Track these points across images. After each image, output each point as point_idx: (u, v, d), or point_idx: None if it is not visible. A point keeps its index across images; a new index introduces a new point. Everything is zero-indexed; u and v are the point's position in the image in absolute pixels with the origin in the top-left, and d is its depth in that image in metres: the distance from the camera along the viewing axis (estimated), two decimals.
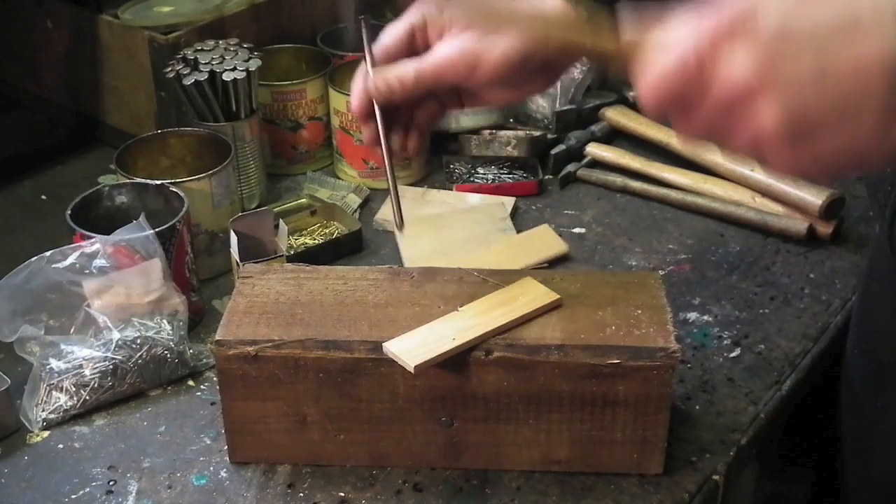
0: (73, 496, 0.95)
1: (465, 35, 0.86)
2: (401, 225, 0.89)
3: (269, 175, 1.41)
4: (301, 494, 0.95)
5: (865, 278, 1.06)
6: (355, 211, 1.36)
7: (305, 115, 1.43)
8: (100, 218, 1.14)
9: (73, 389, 1.03)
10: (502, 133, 1.46)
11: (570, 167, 1.44)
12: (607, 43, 0.74)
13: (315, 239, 1.32)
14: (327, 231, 1.34)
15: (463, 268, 1.00)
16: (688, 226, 1.34)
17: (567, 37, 0.84)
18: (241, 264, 1.07)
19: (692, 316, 1.17)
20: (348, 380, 0.92)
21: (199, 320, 1.17)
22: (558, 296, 0.94)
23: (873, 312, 1.02)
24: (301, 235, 1.32)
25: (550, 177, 1.44)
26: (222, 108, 1.31)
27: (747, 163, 1.33)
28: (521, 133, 1.46)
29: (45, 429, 1.03)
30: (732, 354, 1.12)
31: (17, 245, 1.29)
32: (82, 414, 1.04)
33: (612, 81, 1.59)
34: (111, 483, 0.96)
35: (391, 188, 0.89)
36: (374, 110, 0.89)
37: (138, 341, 1.05)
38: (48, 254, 1.04)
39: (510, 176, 1.43)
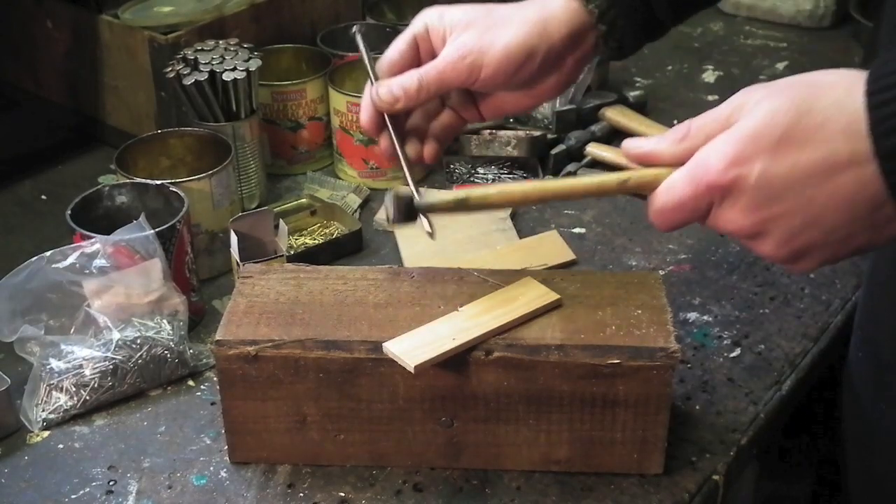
0: (73, 496, 0.95)
1: (465, 34, 0.86)
2: (433, 234, 0.88)
3: (269, 175, 1.41)
4: (301, 494, 0.95)
5: (868, 279, 1.06)
6: (355, 211, 1.36)
7: (305, 115, 1.43)
8: (100, 218, 1.14)
9: (73, 389, 1.03)
10: (502, 133, 1.46)
11: (570, 167, 1.44)
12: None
13: (315, 239, 1.32)
14: (327, 231, 1.34)
15: (463, 268, 1.00)
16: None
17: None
18: (241, 264, 1.07)
19: (692, 316, 1.17)
20: (348, 380, 0.92)
21: (199, 320, 1.17)
22: (558, 296, 0.94)
23: (877, 313, 1.02)
24: (301, 235, 1.32)
25: (550, 177, 1.44)
26: (222, 108, 1.31)
27: None
28: (521, 133, 1.46)
29: (45, 429, 1.03)
30: (732, 354, 1.12)
31: (17, 245, 1.29)
32: (82, 414, 1.04)
33: (613, 81, 1.59)
34: (111, 483, 0.96)
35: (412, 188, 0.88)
36: (384, 122, 0.89)
37: (138, 341, 1.05)
38: (48, 254, 1.04)
39: (510, 176, 1.43)
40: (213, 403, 1.05)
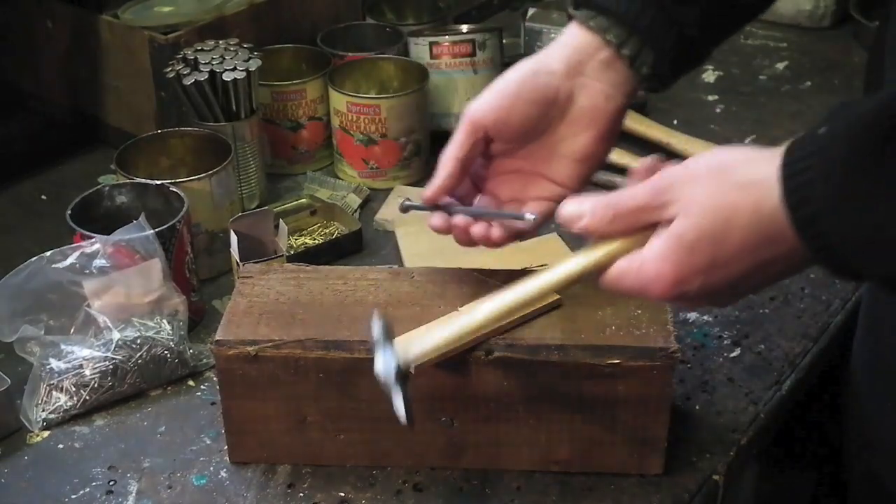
0: (73, 496, 0.95)
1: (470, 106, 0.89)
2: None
3: (269, 175, 1.41)
4: (301, 494, 0.95)
5: None
6: (355, 211, 1.36)
7: (305, 115, 1.43)
8: (100, 218, 1.14)
9: (73, 389, 1.03)
10: None
11: None
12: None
13: (315, 239, 1.32)
14: (327, 231, 1.34)
15: (463, 268, 1.00)
16: None
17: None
18: (241, 264, 1.07)
19: (692, 316, 1.17)
20: (348, 380, 0.92)
21: (199, 320, 1.17)
22: (558, 296, 0.94)
23: (881, 312, 1.02)
24: (301, 235, 1.32)
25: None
26: (222, 108, 1.31)
27: None
28: None
29: (45, 429, 1.03)
30: (732, 354, 1.12)
31: (17, 245, 1.29)
32: (82, 414, 1.04)
33: None
34: (111, 483, 0.96)
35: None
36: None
37: (138, 341, 1.05)
38: (48, 254, 1.04)
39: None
40: (213, 403, 1.05)
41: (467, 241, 0.90)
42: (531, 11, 1.61)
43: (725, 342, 1.14)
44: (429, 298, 0.97)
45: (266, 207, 1.28)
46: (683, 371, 1.09)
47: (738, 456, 1.00)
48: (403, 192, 1.39)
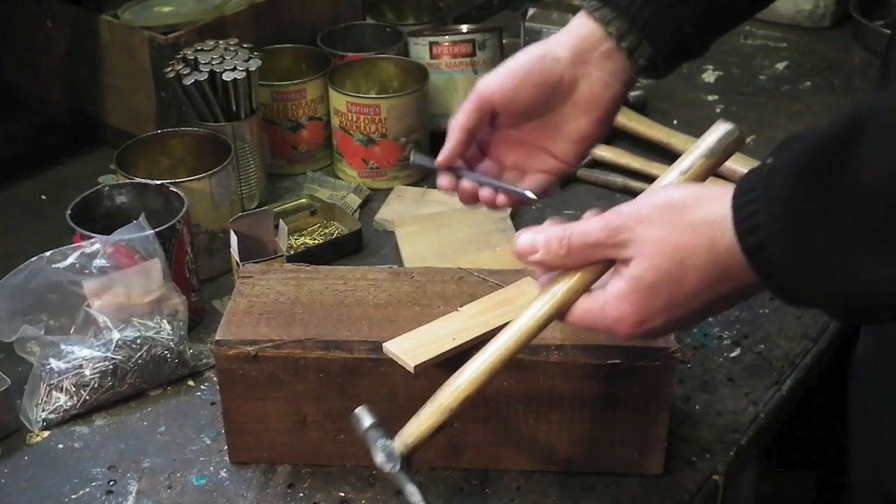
0: (73, 496, 0.95)
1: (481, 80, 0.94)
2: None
3: (269, 175, 1.41)
4: (301, 494, 0.95)
5: None
6: (355, 211, 1.36)
7: (305, 115, 1.43)
8: (100, 218, 1.14)
9: (73, 389, 1.03)
10: None
11: None
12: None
13: (315, 239, 1.32)
14: (327, 231, 1.34)
15: (463, 268, 1.00)
16: None
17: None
18: (241, 264, 1.07)
19: None
20: (348, 380, 0.92)
21: (199, 320, 1.17)
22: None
23: None
24: (301, 235, 1.32)
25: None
26: (222, 108, 1.31)
27: (748, 163, 1.33)
28: None
29: (45, 429, 1.03)
30: (732, 354, 1.12)
31: (17, 245, 1.29)
32: (82, 414, 1.04)
33: None
34: (111, 483, 0.96)
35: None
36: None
37: (138, 341, 1.05)
38: (48, 254, 1.04)
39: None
40: (213, 403, 1.05)
41: (472, 201, 0.94)
42: (531, 11, 1.61)
43: (725, 342, 1.14)
44: (429, 298, 0.97)
45: (266, 207, 1.28)
46: (683, 371, 1.09)
47: (738, 456, 1.00)
48: (404, 192, 1.39)
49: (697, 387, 1.08)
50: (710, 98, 1.67)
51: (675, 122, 1.56)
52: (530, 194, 0.93)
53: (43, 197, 1.42)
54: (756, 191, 0.67)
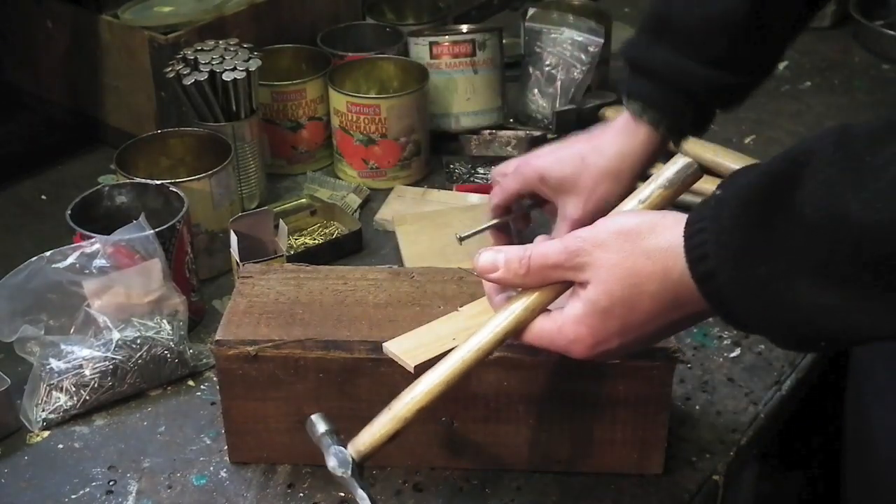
0: (73, 496, 0.95)
1: (570, 213, 1.07)
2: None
3: (269, 175, 1.41)
4: (301, 494, 0.95)
5: None
6: (355, 211, 1.36)
7: (305, 115, 1.43)
8: (100, 218, 1.14)
9: (73, 389, 1.03)
10: (502, 133, 1.46)
11: None
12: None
13: (315, 239, 1.32)
14: (327, 231, 1.34)
15: (463, 268, 1.00)
16: None
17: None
18: (241, 264, 1.07)
19: None
20: (348, 380, 0.92)
21: (199, 320, 1.17)
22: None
23: None
24: (301, 235, 1.32)
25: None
26: (222, 108, 1.31)
27: (748, 163, 1.33)
28: (521, 133, 1.46)
29: (45, 429, 1.03)
30: (732, 354, 1.12)
31: (17, 245, 1.29)
32: (82, 414, 1.04)
33: (612, 81, 1.59)
34: (111, 483, 0.97)
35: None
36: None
37: (138, 341, 1.05)
38: (48, 254, 1.04)
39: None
40: (213, 403, 1.05)
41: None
42: (531, 11, 1.61)
43: (725, 342, 1.14)
44: (429, 298, 0.97)
45: (266, 207, 1.28)
46: (683, 371, 1.09)
47: (738, 456, 1.00)
48: (404, 192, 1.39)
49: (697, 387, 1.08)
50: None
51: None
52: None
53: (43, 197, 1.42)
54: (705, 220, 0.69)
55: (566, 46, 1.54)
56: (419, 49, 1.49)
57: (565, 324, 0.76)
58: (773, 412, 1.06)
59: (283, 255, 1.14)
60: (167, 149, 1.29)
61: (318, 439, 0.84)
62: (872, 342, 0.67)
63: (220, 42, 1.32)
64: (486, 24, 1.75)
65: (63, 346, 1.03)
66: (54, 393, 1.03)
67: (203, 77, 1.27)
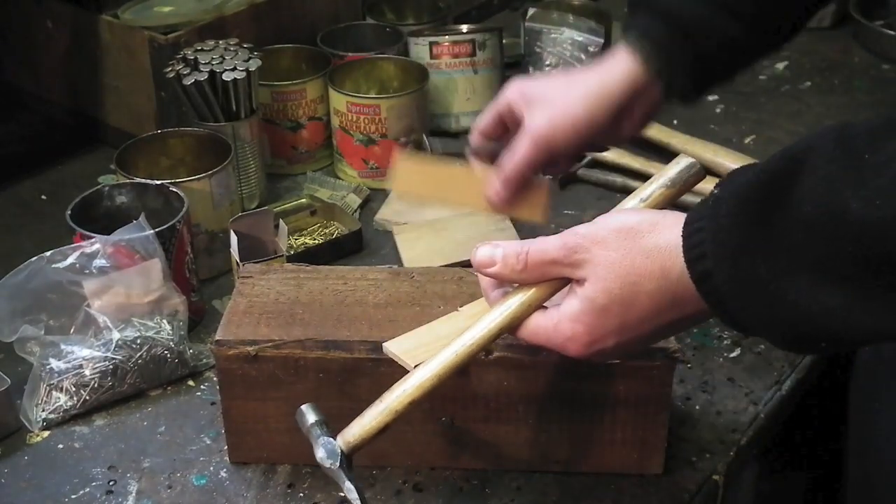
0: (73, 496, 0.95)
1: (536, 122, 0.97)
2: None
3: (269, 175, 1.41)
4: (301, 494, 0.95)
5: None
6: (355, 211, 1.36)
7: (305, 115, 1.43)
8: (100, 218, 1.14)
9: (73, 389, 1.03)
10: None
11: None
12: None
13: (315, 239, 1.32)
14: (327, 231, 1.34)
15: (463, 268, 1.00)
16: None
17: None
18: (241, 264, 1.07)
19: None
20: (348, 380, 0.92)
21: (199, 320, 1.17)
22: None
23: None
24: (301, 235, 1.32)
25: (550, 177, 1.44)
26: (222, 108, 1.31)
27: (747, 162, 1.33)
28: None
29: (45, 429, 1.03)
30: (732, 354, 1.12)
31: (17, 245, 1.29)
32: (82, 414, 1.04)
33: None
34: (111, 483, 0.97)
35: None
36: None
37: (138, 341, 1.05)
38: (48, 254, 1.04)
39: None
40: (213, 403, 1.05)
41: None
42: (531, 11, 1.61)
43: (725, 342, 1.14)
44: (429, 298, 0.97)
45: (266, 207, 1.28)
46: (683, 371, 1.09)
47: (738, 456, 1.00)
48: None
49: (697, 387, 1.08)
50: (710, 98, 1.67)
51: (675, 121, 1.55)
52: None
53: (43, 197, 1.42)
54: (703, 219, 0.69)
55: (566, 46, 1.54)
56: (419, 49, 1.49)
57: (561, 321, 0.76)
58: (773, 412, 1.06)
59: (283, 255, 1.14)
60: (167, 149, 1.29)
61: (308, 430, 0.83)
62: (874, 343, 0.67)
63: (220, 42, 1.32)
64: (486, 24, 1.75)
65: (63, 346, 1.03)
66: (54, 393, 1.03)
67: (203, 77, 1.27)
